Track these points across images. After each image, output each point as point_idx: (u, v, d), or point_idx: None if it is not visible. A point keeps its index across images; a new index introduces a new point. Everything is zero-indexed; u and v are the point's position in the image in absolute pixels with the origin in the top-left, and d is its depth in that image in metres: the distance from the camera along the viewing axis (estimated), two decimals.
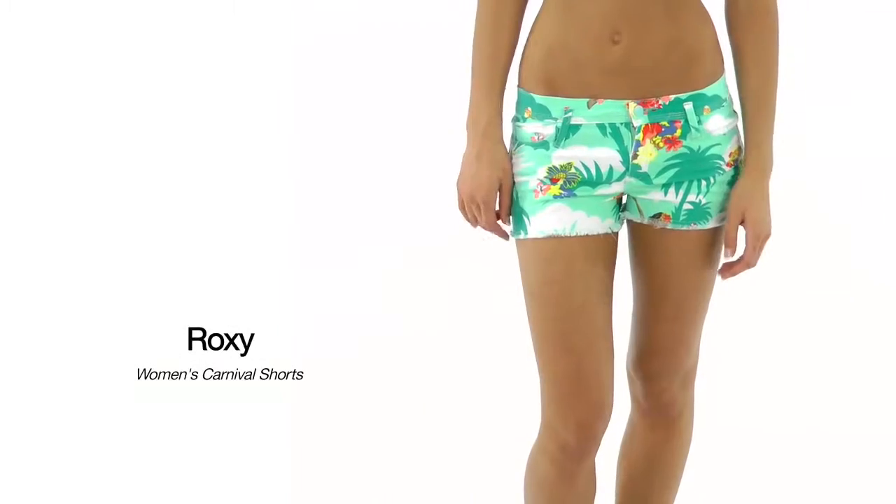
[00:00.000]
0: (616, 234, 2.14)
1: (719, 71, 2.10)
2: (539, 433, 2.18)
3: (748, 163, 2.10)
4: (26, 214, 3.76)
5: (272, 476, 3.01)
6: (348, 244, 3.84)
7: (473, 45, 2.13)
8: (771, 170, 2.10)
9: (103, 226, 3.74)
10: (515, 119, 2.13)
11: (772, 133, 2.10)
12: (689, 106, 2.05)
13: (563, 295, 2.08)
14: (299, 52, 3.94)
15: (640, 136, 2.05)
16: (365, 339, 3.54)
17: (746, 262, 2.12)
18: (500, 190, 2.11)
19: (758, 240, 2.09)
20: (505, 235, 2.15)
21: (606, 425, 2.14)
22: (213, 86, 3.94)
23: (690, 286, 2.15)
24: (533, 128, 2.09)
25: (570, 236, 2.07)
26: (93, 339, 3.44)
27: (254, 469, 3.03)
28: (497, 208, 2.13)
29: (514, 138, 2.14)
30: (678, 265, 2.14)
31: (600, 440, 2.15)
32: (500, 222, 2.14)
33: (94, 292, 3.60)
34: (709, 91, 2.07)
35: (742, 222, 2.10)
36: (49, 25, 3.91)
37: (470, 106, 2.13)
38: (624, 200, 2.15)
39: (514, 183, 2.11)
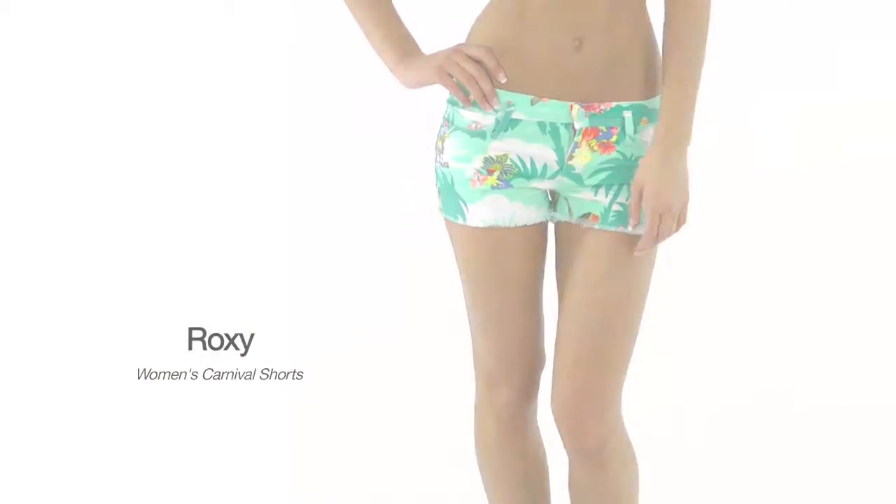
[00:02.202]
0: (547, 223, 2.19)
1: (659, 86, 2.11)
2: (479, 397, 2.31)
3: (655, 135, 2.07)
4: (27, 216, 3.76)
5: (272, 475, 3.00)
6: (348, 244, 3.84)
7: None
8: (681, 145, 2.05)
9: (104, 227, 3.74)
10: (453, 102, 2.15)
11: (686, 109, 2.05)
12: (628, 115, 2.08)
13: (508, 277, 2.16)
14: (299, 52, 3.94)
15: (578, 138, 2.08)
16: (365, 339, 3.54)
17: (648, 236, 2.07)
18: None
19: (655, 213, 2.05)
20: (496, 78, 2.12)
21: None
22: (214, 88, 3.94)
23: (617, 294, 2.12)
24: (472, 116, 2.11)
25: (509, 227, 2.13)
26: (93, 340, 3.44)
27: (254, 468, 3.02)
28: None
29: (450, 121, 2.16)
30: (605, 269, 2.12)
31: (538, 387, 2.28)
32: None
33: (94, 293, 3.60)
34: (649, 104, 2.10)
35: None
36: (48, 26, 3.91)
37: (382, 56, 2.18)
38: (552, 199, 2.18)
39: (446, 164, 2.15)
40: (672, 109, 2.05)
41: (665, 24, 2.08)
